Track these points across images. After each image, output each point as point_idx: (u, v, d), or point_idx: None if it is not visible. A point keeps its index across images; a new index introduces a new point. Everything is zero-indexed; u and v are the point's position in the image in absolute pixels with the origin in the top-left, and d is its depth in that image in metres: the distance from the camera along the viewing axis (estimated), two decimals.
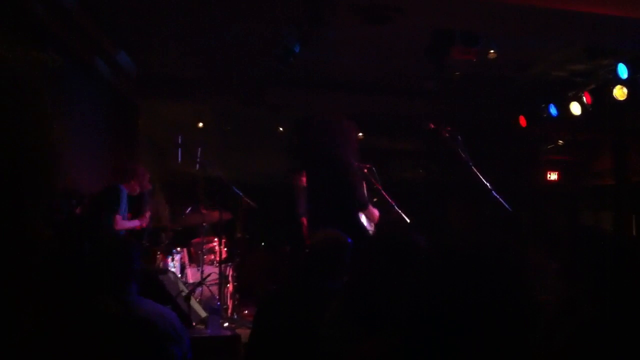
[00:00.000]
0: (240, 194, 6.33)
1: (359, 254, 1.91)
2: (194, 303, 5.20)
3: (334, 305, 1.96)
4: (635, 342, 1.63)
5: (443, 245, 1.29)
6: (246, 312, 6.10)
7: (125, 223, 5.52)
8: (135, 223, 5.69)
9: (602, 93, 6.73)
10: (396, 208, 5.37)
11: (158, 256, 5.92)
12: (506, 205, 4.69)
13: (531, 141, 8.82)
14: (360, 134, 7.20)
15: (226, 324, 5.32)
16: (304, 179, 7.31)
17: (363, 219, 4.82)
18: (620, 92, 6.46)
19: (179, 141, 7.98)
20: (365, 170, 5.35)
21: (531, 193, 8.80)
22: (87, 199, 5.48)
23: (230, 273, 6.25)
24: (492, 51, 5.90)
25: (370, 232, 4.74)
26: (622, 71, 6.32)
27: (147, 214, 5.88)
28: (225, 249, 6.41)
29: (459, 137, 4.94)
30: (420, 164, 10.06)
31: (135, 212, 5.83)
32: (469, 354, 1.13)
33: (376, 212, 5.02)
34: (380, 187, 5.39)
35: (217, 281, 5.84)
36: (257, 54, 6.44)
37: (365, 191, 4.91)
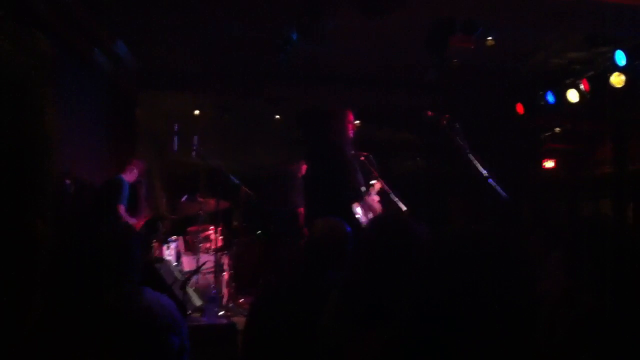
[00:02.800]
0: (238, 182, 6.32)
1: (358, 245, 1.89)
2: (190, 291, 5.19)
3: (333, 296, 1.94)
4: (636, 332, 1.62)
5: (443, 236, 1.27)
6: (242, 300, 6.10)
7: (126, 217, 5.60)
8: (133, 221, 5.77)
9: (601, 81, 6.69)
10: (392, 196, 5.33)
11: (154, 244, 5.92)
12: (502, 193, 4.68)
13: (529, 130, 8.79)
14: (357, 122, 7.16)
15: (222, 313, 5.32)
16: (303, 169, 7.32)
17: (358, 210, 4.78)
18: (617, 80, 6.41)
19: (175, 129, 7.95)
20: (363, 159, 5.31)
21: (531, 182, 8.80)
22: (88, 190, 5.53)
23: (226, 261, 6.25)
24: (489, 38, 5.86)
25: (365, 224, 4.70)
26: (620, 58, 6.28)
27: (144, 212, 5.95)
28: (221, 237, 6.40)
29: (456, 124, 4.91)
30: (420, 154, 10.04)
31: (131, 206, 5.87)
32: (470, 345, 1.12)
33: (377, 204, 4.98)
34: (377, 175, 5.35)
35: (213, 269, 5.83)
36: (256, 47, 6.39)
37: (361, 180, 4.87)
